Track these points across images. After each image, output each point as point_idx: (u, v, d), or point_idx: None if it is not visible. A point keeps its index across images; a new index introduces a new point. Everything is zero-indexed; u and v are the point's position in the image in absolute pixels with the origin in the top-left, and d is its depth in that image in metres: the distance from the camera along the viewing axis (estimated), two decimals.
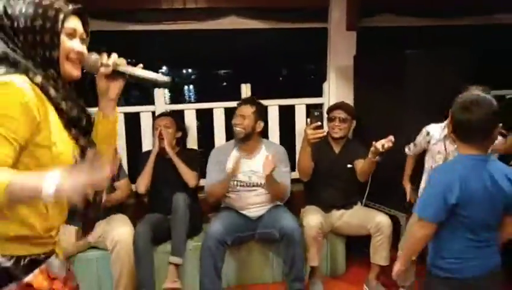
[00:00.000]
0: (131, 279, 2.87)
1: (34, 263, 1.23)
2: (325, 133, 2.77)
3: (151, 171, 3.20)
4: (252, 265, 3.24)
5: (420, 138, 2.80)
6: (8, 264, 1.17)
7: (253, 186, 3.08)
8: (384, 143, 2.70)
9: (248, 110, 3.07)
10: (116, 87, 1.37)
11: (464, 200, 1.68)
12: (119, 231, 2.87)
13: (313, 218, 3.00)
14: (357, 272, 3.34)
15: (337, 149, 3.27)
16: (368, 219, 3.07)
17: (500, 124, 1.74)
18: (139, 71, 1.36)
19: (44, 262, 1.26)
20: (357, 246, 3.31)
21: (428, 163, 2.75)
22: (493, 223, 1.76)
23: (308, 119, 2.78)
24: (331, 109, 3.28)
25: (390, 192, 3.17)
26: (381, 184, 3.21)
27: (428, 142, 2.74)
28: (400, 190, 3.03)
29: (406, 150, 2.92)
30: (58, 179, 1.02)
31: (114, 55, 1.35)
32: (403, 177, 2.99)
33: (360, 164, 3.07)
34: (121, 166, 3.25)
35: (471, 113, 1.68)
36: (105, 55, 1.34)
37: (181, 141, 3.40)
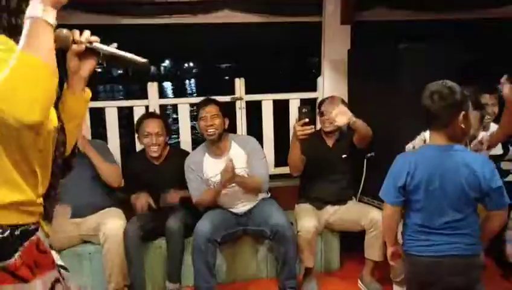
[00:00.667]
0: (122, 273, 2.85)
1: (25, 234, 1.17)
2: (313, 130, 2.75)
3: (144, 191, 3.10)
4: (245, 261, 3.21)
5: (418, 142, 2.76)
6: (5, 235, 1.12)
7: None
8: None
9: (214, 109, 3.00)
10: (88, 66, 1.31)
11: (413, 185, 1.87)
12: (111, 225, 2.84)
13: (307, 221, 2.97)
14: (351, 268, 3.31)
15: (330, 143, 3.24)
16: (362, 214, 3.05)
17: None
18: (114, 50, 1.28)
19: (35, 234, 1.20)
20: (351, 242, 3.29)
21: None
22: (451, 210, 1.84)
23: (297, 116, 2.78)
24: (321, 103, 3.26)
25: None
26: (376, 179, 3.17)
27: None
28: None
29: (406, 148, 2.86)
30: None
31: (87, 32, 1.27)
32: None
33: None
34: (111, 154, 3.21)
35: (432, 102, 1.84)
36: (77, 32, 1.26)
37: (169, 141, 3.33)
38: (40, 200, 1.22)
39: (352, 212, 3.14)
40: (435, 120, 1.87)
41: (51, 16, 1.06)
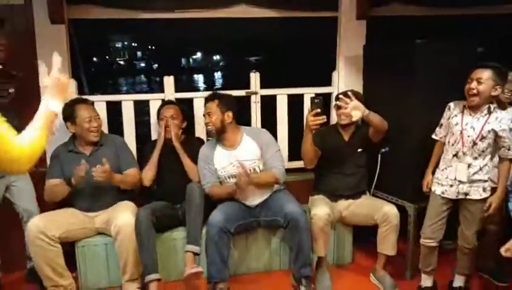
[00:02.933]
0: (136, 265, 2.84)
1: None
2: (325, 120, 2.74)
3: (156, 164, 3.15)
4: (259, 253, 3.20)
5: (443, 117, 2.75)
6: None
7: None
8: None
9: (212, 105, 3.04)
10: None
11: None
12: (122, 217, 2.83)
13: (320, 209, 2.94)
14: (363, 262, 3.30)
15: (346, 136, 3.20)
16: (376, 208, 3.02)
17: None
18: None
19: None
20: (364, 235, 3.27)
21: (447, 138, 2.71)
22: None
23: (309, 107, 2.78)
24: (337, 97, 3.22)
25: (398, 181, 3.12)
26: (390, 174, 3.16)
27: (449, 117, 2.69)
28: (409, 180, 2.99)
29: (433, 135, 2.82)
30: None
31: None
32: (428, 166, 2.85)
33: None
34: (131, 154, 3.20)
35: None
36: None
37: (187, 130, 3.35)
38: None
39: (366, 207, 3.11)
40: None
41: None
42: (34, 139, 1.52)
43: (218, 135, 3.07)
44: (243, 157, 3.02)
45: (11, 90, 2.92)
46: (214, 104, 3.04)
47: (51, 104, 1.63)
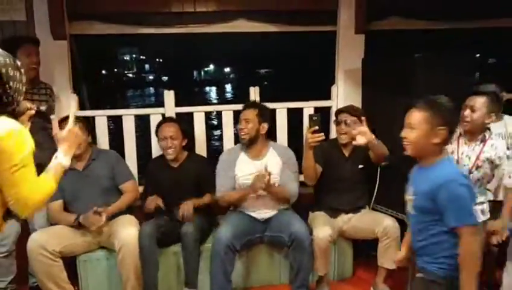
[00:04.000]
0: (138, 280, 2.81)
1: None
2: (323, 137, 2.71)
3: (160, 195, 3.07)
4: (260, 267, 3.16)
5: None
6: None
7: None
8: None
9: (251, 113, 3.03)
10: None
11: None
12: (126, 232, 2.81)
13: (322, 230, 2.90)
14: (364, 276, 3.24)
15: (346, 152, 3.16)
16: (376, 222, 2.98)
17: None
18: None
19: None
20: (364, 249, 3.22)
21: None
22: None
23: (308, 125, 2.76)
24: (337, 113, 3.19)
25: (398, 195, 3.07)
26: (389, 188, 3.11)
27: None
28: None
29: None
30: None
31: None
32: None
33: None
34: (126, 167, 3.17)
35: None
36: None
37: (187, 147, 3.27)
38: None
39: (366, 220, 3.06)
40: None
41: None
42: (44, 186, 1.61)
43: (249, 144, 3.05)
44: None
45: (42, 108, 2.91)
46: (254, 113, 3.03)
47: (61, 158, 1.74)
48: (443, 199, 1.73)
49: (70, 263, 2.90)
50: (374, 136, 2.77)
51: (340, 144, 3.16)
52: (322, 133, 2.69)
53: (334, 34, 3.64)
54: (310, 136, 2.69)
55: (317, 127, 2.68)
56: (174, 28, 3.48)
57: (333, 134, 3.48)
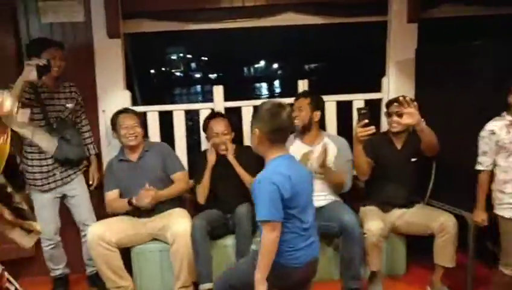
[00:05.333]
0: (190, 272, 2.84)
1: None
2: (374, 130, 2.60)
3: (208, 185, 3.09)
4: None
5: (486, 143, 2.52)
6: None
7: (315, 173, 2.91)
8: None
9: (303, 102, 3.03)
10: None
11: (294, 193, 1.84)
12: (178, 225, 2.84)
13: (374, 224, 2.80)
14: (418, 274, 3.09)
15: (398, 144, 3.02)
16: (431, 218, 2.83)
17: None
18: None
19: None
20: (418, 246, 3.06)
21: (499, 161, 2.48)
22: (310, 207, 1.97)
23: (357, 118, 2.69)
24: (388, 104, 3.06)
25: (456, 190, 2.91)
26: (446, 182, 2.95)
27: (497, 141, 2.48)
28: (467, 189, 2.74)
29: (478, 166, 2.57)
30: None
31: None
32: (477, 202, 2.61)
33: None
34: (176, 158, 3.19)
35: (281, 117, 1.89)
36: None
37: (237, 139, 3.29)
38: None
39: (421, 216, 2.92)
40: (285, 133, 1.95)
41: None
42: None
43: (302, 132, 3.05)
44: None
45: (69, 105, 3.00)
46: (306, 101, 3.03)
47: None
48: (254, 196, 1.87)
49: (125, 254, 2.97)
50: (422, 119, 2.65)
51: (392, 136, 3.04)
52: (373, 127, 2.58)
53: (383, 24, 3.50)
54: (359, 130, 2.60)
55: (366, 121, 2.57)
56: (223, 22, 3.45)
57: (384, 127, 3.36)
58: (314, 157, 2.87)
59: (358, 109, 2.67)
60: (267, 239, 1.82)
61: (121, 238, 2.89)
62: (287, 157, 1.97)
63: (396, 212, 3.01)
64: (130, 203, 2.94)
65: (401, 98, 2.69)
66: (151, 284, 3.06)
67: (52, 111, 2.91)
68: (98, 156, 3.28)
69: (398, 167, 2.98)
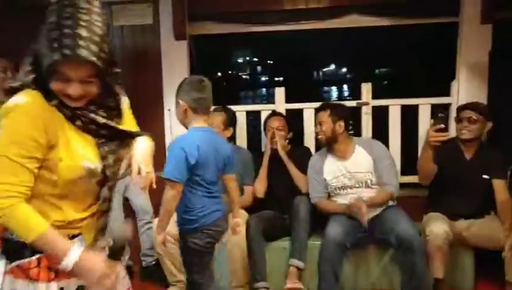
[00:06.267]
0: (244, 272, 2.84)
1: None
2: (448, 137, 2.47)
3: (265, 177, 3.12)
4: (368, 270, 2.96)
5: None
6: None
7: (355, 187, 2.88)
8: None
9: (323, 115, 2.94)
10: None
11: (200, 162, 2.05)
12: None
13: (437, 225, 2.64)
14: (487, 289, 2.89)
15: (468, 155, 2.84)
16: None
17: None
18: None
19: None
20: (488, 260, 2.86)
21: None
22: (216, 179, 2.17)
23: (432, 120, 2.54)
24: (459, 109, 2.88)
25: None
26: None
27: None
28: None
29: None
30: (77, 258, 1.21)
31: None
32: None
33: (500, 191, 2.68)
34: (252, 169, 3.19)
35: (200, 88, 2.12)
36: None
37: (293, 140, 3.29)
38: (80, 217, 1.33)
39: (491, 228, 2.71)
40: (207, 107, 2.18)
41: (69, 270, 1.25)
42: None
43: (329, 145, 2.96)
44: (355, 169, 2.87)
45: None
46: (326, 114, 2.94)
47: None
48: None
49: None
50: None
51: (462, 144, 2.85)
52: (447, 133, 2.46)
53: (452, 25, 3.32)
54: (432, 134, 2.47)
55: (442, 126, 2.43)
56: (286, 25, 3.45)
57: (452, 132, 3.19)
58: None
59: (436, 111, 2.53)
60: (167, 194, 2.05)
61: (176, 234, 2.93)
62: (205, 129, 2.17)
63: (463, 223, 2.82)
64: None
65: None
66: None
67: None
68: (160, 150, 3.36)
69: (466, 180, 2.80)
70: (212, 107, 3.24)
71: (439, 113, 2.47)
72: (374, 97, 3.43)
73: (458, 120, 2.84)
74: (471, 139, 2.79)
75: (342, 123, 2.92)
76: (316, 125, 3.03)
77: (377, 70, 21.51)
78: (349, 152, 2.94)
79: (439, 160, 2.75)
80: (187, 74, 3.43)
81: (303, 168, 3.06)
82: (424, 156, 2.66)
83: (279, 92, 3.49)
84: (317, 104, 3.34)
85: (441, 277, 2.66)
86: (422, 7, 3.27)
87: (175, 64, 3.39)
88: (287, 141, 3.22)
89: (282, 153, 3.10)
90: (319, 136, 2.98)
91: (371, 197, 2.83)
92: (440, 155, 2.73)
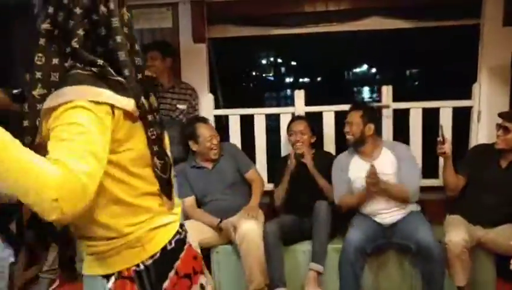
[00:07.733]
0: (263, 274, 2.81)
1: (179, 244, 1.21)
2: (442, 151, 2.62)
3: (287, 186, 3.12)
4: (389, 276, 2.95)
5: None
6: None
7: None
8: None
9: (355, 115, 2.92)
10: None
11: None
12: (246, 226, 2.82)
13: (456, 234, 2.62)
14: None
15: (504, 163, 2.79)
16: None
17: None
18: None
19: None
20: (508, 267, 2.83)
21: None
22: None
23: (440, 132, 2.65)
24: (498, 115, 2.82)
25: None
26: None
27: None
28: None
29: None
30: None
31: None
32: None
33: None
34: (245, 155, 3.24)
35: None
36: None
37: (316, 144, 3.29)
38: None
39: (510, 234, 2.65)
40: None
41: None
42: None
43: (356, 146, 2.96)
44: (380, 170, 2.83)
45: (180, 107, 3.21)
46: (358, 115, 2.93)
47: None
48: None
49: (206, 257, 3.00)
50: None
51: (498, 152, 2.81)
52: (444, 146, 2.58)
53: (473, 27, 3.29)
54: (438, 147, 2.59)
55: (439, 139, 2.52)
56: (306, 27, 3.48)
57: (473, 139, 3.21)
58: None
59: (440, 125, 2.63)
60: None
61: (201, 240, 2.90)
62: None
63: (486, 227, 2.80)
64: (220, 228, 3.00)
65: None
66: (230, 286, 3.06)
67: (162, 109, 3.03)
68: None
69: (498, 188, 2.76)
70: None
71: (440, 124, 2.58)
72: (401, 99, 3.44)
73: (497, 126, 2.78)
74: (505, 149, 2.75)
75: (372, 126, 2.92)
76: (345, 123, 3.00)
77: (407, 72, 21.18)
78: (376, 154, 2.95)
79: (470, 167, 2.75)
80: (206, 77, 3.49)
81: (326, 175, 3.06)
82: (444, 167, 2.70)
83: (299, 95, 3.49)
84: (337, 108, 3.37)
85: (463, 284, 2.64)
86: (442, 10, 3.25)
87: (194, 67, 3.44)
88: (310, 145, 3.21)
89: (310, 166, 3.09)
90: (348, 137, 2.97)
91: (387, 182, 2.79)
92: (475, 160, 2.75)
